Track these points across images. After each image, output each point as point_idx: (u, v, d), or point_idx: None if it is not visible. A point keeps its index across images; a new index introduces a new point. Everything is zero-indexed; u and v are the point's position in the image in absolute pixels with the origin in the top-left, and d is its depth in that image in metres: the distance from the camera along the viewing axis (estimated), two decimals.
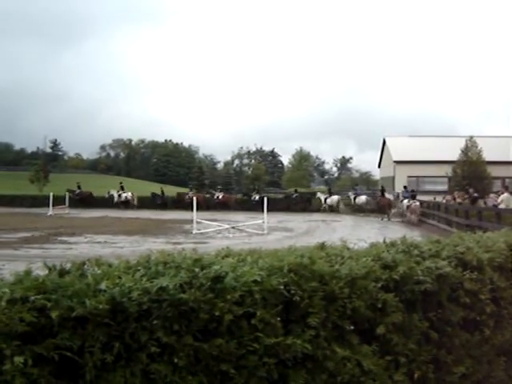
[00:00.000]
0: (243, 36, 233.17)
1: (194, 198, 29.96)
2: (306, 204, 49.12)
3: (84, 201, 50.47)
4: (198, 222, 26.71)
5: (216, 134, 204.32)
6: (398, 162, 53.06)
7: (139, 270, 3.12)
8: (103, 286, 2.83)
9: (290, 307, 3.39)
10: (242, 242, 20.78)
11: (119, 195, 51.61)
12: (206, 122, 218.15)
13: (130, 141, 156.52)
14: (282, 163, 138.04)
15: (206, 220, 29.00)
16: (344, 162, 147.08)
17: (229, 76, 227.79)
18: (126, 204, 50.32)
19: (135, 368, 2.79)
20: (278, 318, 3.29)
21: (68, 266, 3.08)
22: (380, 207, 42.18)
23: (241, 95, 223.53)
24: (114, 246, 19.76)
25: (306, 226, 31.38)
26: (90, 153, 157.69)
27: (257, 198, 47.64)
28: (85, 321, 2.69)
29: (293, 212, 45.04)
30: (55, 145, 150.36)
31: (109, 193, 52.82)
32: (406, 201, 37.37)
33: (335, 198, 48.63)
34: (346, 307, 3.61)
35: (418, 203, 36.12)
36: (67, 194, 48.32)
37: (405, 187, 41.20)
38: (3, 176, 75.77)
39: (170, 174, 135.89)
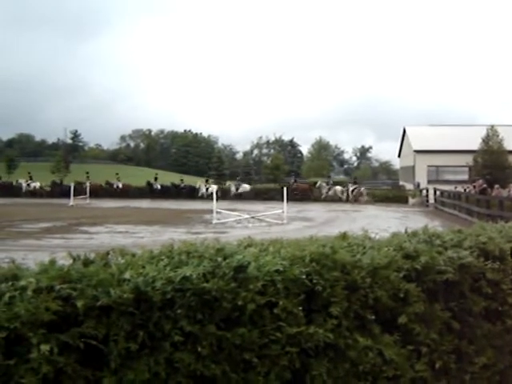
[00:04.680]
0: (261, 25, 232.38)
1: (215, 188, 29.98)
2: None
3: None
4: (217, 212, 26.75)
5: (235, 124, 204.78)
6: (418, 152, 52.64)
7: (162, 259, 3.14)
8: (127, 275, 2.86)
9: (311, 297, 3.40)
10: (262, 231, 20.84)
11: (28, 184, 51.96)
12: (225, 112, 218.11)
13: (150, 131, 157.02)
14: (301, 153, 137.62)
15: (226, 210, 29.03)
16: (363, 152, 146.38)
17: (248, 66, 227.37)
18: (33, 193, 50.56)
19: (159, 356, 2.82)
20: (300, 308, 3.30)
21: (92, 255, 3.12)
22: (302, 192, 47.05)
23: (260, 85, 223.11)
24: (134, 236, 19.88)
25: (325, 216, 31.33)
26: (110, 143, 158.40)
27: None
28: (109, 310, 2.73)
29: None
30: (75, 136, 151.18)
31: (17, 181, 53.16)
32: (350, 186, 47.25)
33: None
34: (368, 297, 3.61)
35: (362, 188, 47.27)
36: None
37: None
38: (25, 167, 76.29)
39: (190, 163, 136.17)
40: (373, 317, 3.65)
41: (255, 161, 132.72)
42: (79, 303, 2.64)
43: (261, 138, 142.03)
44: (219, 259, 3.19)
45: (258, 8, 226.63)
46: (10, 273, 2.85)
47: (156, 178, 51.61)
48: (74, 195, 42.84)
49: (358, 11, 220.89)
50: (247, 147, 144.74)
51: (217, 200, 33.40)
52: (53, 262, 2.92)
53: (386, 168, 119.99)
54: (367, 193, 47.65)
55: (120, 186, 50.81)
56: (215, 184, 50.28)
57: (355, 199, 45.53)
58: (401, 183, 60.07)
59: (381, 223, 23.93)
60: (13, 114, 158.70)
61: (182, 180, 52.47)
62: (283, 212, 26.63)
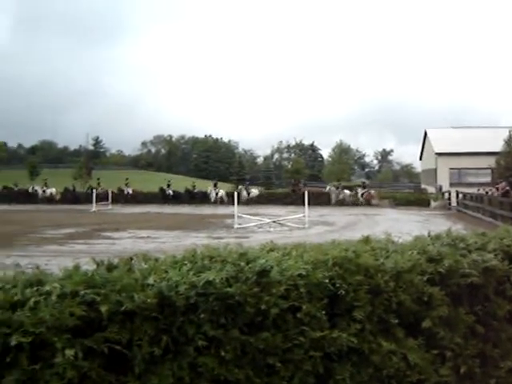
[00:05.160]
0: (281, 27, 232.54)
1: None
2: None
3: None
4: (238, 217, 26.77)
5: (255, 129, 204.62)
6: (439, 154, 52.24)
7: (186, 264, 3.16)
8: (151, 280, 2.87)
9: (335, 301, 3.39)
10: (284, 236, 20.80)
11: (43, 191, 52.48)
12: (245, 117, 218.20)
13: (171, 137, 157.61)
14: (321, 157, 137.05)
15: (247, 214, 29.03)
16: (385, 155, 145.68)
17: (268, 70, 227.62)
18: (49, 199, 51.06)
19: (183, 361, 2.83)
20: (324, 312, 3.29)
21: (115, 261, 3.14)
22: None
23: (280, 89, 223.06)
24: (156, 241, 19.96)
25: (347, 220, 31.22)
26: (131, 149, 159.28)
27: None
28: (133, 315, 2.74)
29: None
30: (97, 142, 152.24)
31: (33, 188, 53.54)
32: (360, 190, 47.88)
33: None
34: (392, 301, 3.59)
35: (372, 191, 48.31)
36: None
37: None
38: (47, 173, 76.81)
39: (211, 169, 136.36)
40: (396, 321, 3.64)
41: (276, 165, 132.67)
42: (103, 308, 2.66)
43: (281, 142, 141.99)
44: (242, 264, 3.19)
45: (277, 10, 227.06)
46: (34, 278, 2.88)
47: (169, 185, 51.66)
48: (88, 201, 43.33)
49: (377, 12, 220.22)
50: (268, 152, 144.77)
51: (222, 204, 33.19)
52: (77, 268, 2.95)
53: (407, 171, 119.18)
54: (382, 196, 47.80)
55: (130, 191, 50.95)
56: (235, 188, 50.08)
57: (366, 202, 45.92)
58: (423, 186, 59.64)
59: (403, 227, 23.78)
60: (35, 121, 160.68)
61: (194, 185, 52.27)
62: (304, 216, 26.58)
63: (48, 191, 52.45)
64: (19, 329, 2.53)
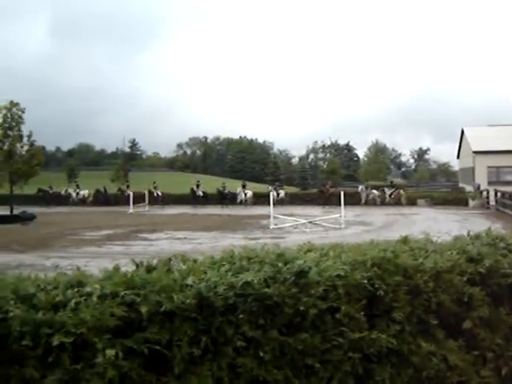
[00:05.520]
0: (314, 26, 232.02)
1: (276, 193, 29.96)
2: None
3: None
4: (274, 217, 26.76)
5: (290, 130, 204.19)
6: (477, 153, 51.49)
7: (224, 265, 3.17)
8: (189, 281, 2.89)
9: (373, 301, 3.38)
10: (320, 236, 20.73)
11: (77, 193, 53.26)
12: (280, 117, 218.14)
13: (206, 138, 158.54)
14: (357, 156, 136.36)
15: (282, 215, 29.00)
16: (421, 154, 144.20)
17: (301, 70, 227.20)
18: (82, 201, 51.81)
19: (222, 361, 2.85)
20: (362, 313, 3.28)
21: (154, 262, 3.16)
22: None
23: (314, 89, 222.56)
24: (193, 242, 20.05)
25: (384, 220, 30.97)
26: (167, 151, 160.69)
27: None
28: (172, 315, 2.76)
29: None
30: (134, 144, 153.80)
31: (66, 191, 54.36)
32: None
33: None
34: (431, 301, 3.56)
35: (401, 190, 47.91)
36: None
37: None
38: (85, 176, 78.07)
39: (246, 170, 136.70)
40: (436, 321, 3.60)
41: (311, 165, 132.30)
42: (143, 309, 2.68)
43: (316, 142, 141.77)
44: (280, 264, 3.19)
45: (314, 9, 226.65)
46: (75, 279, 2.92)
47: (198, 185, 51.70)
48: (120, 203, 43.77)
49: (409, 11, 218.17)
50: (303, 152, 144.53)
51: (250, 205, 33.00)
52: (117, 269, 2.98)
53: (444, 170, 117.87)
54: (419, 195, 47.56)
55: (160, 193, 51.19)
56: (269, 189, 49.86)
57: (395, 202, 45.78)
58: (460, 185, 58.93)
59: (441, 226, 23.50)
60: (73, 124, 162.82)
61: (224, 186, 52.01)
62: (341, 216, 26.46)
63: (81, 193, 53.36)
64: (61, 329, 2.57)
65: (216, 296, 2.84)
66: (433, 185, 78.97)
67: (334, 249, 3.68)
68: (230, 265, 3.17)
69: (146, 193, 47.65)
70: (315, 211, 37.03)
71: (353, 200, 44.80)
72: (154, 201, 48.83)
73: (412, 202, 45.67)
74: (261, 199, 45.81)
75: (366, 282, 3.30)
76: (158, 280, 2.84)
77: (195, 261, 3.24)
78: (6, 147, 34.17)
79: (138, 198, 46.90)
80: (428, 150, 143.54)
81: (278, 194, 47.53)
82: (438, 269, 3.64)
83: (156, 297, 2.75)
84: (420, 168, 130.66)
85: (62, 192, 54.35)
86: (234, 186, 54.00)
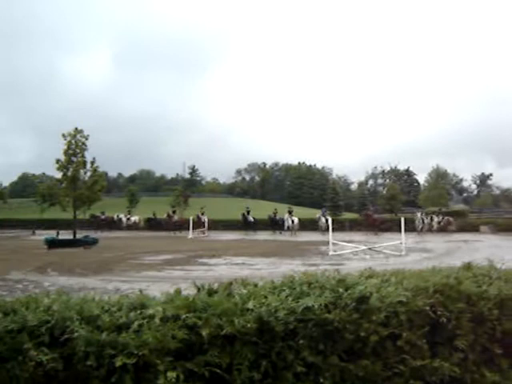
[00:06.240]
0: (374, 54, 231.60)
1: (330, 219, 29.79)
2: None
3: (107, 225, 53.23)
4: (333, 244, 26.56)
5: (349, 155, 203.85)
6: None
7: (284, 289, 3.17)
8: (250, 305, 2.90)
9: (436, 329, 3.32)
10: (380, 263, 20.45)
11: (128, 219, 55.56)
12: (338, 143, 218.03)
13: (265, 164, 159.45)
14: (417, 182, 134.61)
15: (341, 241, 28.75)
16: (483, 179, 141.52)
17: (361, 95, 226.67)
18: (133, 227, 54.01)
19: None
20: (424, 340, 3.22)
21: (215, 286, 3.19)
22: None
23: (372, 114, 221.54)
24: (252, 268, 20.04)
25: (445, 247, 30.35)
26: (226, 177, 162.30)
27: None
28: (233, 339, 2.78)
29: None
30: (193, 170, 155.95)
31: (117, 216, 56.24)
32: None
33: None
34: (496, 329, 3.48)
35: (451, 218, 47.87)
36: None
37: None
38: (146, 201, 79.43)
39: (304, 195, 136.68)
40: (500, 351, 3.51)
41: (370, 191, 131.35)
42: (204, 332, 2.71)
43: (375, 168, 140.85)
44: (341, 290, 3.18)
45: (368, 36, 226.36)
46: (138, 302, 2.97)
47: (248, 212, 51.80)
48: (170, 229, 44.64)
49: (471, 28, 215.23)
50: (362, 178, 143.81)
51: (295, 231, 32.70)
52: (178, 292, 3.02)
53: (508, 196, 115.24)
54: (482, 221, 46.53)
55: (205, 219, 51.40)
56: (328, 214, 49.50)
57: (442, 229, 45.89)
58: None
59: (505, 253, 22.86)
60: (134, 150, 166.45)
61: (275, 212, 51.70)
62: (401, 243, 26.07)
63: (132, 219, 54.94)
64: (124, 350, 2.61)
65: (277, 320, 2.84)
66: (496, 211, 77.08)
67: (396, 275, 3.64)
68: (290, 290, 3.17)
69: (191, 219, 47.86)
70: (374, 238, 36.55)
71: (409, 226, 44.40)
72: (198, 226, 49.15)
73: (475, 229, 44.70)
74: (308, 226, 46.01)
75: (428, 308, 3.25)
76: (220, 304, 2.86)
77: (256, 285, 3.25)
78: (70, 173, 35.14)
79: (186, 224, 47.57)
80: (491, 175, 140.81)
81: (326, 220, 47.13)
82: (503, 296, 3.56)
83: (217, 320, 2.77)
84: (482, 193, 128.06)
85: (114, 217, 55.69)
86: (294, 211, 53.74)
